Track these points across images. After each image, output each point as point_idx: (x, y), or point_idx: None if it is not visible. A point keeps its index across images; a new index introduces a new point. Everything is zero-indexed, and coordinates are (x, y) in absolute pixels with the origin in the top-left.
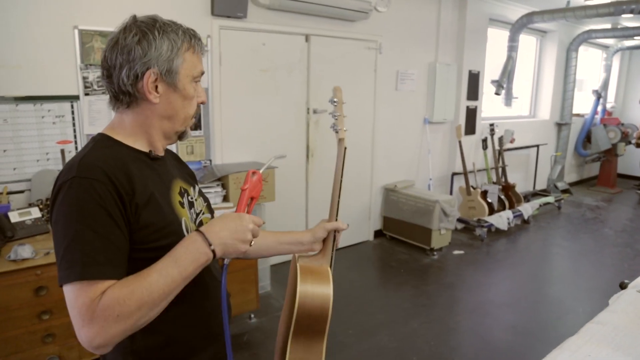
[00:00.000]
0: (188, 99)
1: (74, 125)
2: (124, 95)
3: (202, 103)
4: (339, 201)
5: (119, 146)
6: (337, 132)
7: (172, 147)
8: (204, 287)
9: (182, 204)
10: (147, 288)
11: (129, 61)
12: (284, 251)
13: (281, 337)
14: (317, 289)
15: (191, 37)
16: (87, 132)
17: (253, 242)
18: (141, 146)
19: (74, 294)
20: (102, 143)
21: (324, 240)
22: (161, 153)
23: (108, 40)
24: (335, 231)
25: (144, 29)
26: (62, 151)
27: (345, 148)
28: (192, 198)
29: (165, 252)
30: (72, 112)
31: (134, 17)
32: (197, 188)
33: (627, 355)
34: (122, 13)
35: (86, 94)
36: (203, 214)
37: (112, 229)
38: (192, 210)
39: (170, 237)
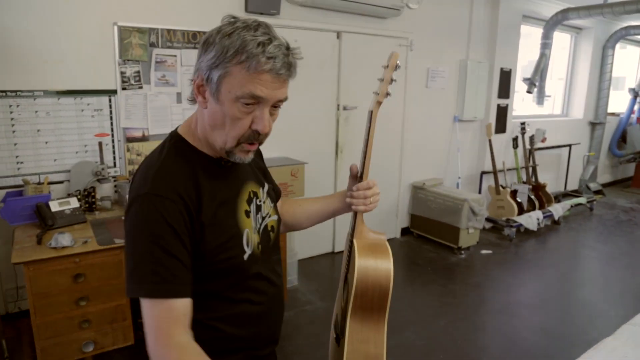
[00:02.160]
0: (229, 117)
1: (111, 118)
2: (191, 91)
3: (260, 131)
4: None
5: (191, 153)
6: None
7: None
8: (261, 293)
9: (247, 213)
10: None
11: (196, 61)
12: (331, 210)
13: (339, 321)
14: (377, 263)
15: (248, 52)
16: (123, 126)
17: None
18: (209, 152)
19: (148, 308)
20: (176, 149)
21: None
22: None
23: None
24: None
25: (215, 34)
26: (100, 144)
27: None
28: (260, 201)
29: (223, 267)
30: (110, 106)
31: (230, 18)
32: (266, 187)
33: None
34: (159, 9)
35: (123, 89)
36: (270, 216)
37: (180, 247)
38: (259, 215)
39: (229, 251)
